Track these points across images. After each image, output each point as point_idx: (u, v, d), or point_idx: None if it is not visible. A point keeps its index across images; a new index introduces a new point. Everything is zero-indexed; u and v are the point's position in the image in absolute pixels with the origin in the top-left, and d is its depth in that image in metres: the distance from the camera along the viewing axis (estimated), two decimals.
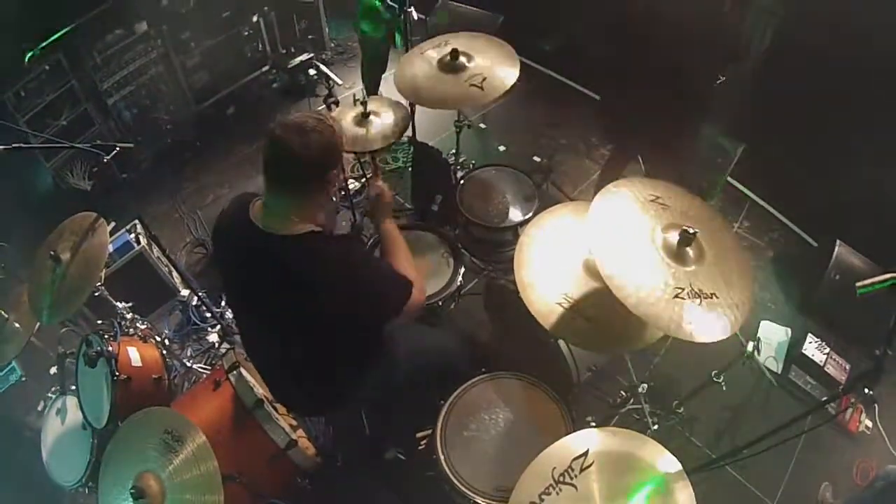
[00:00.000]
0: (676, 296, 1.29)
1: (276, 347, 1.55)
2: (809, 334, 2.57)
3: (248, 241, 1.40)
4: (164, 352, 2.32)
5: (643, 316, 1.26)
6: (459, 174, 2.84)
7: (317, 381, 1.60)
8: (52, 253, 1.90)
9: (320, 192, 1.39)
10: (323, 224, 1.45)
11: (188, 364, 2.52)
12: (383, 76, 3.50)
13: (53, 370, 2.32)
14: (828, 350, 2.52)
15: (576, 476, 1.24)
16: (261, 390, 1.87)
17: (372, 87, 3.52)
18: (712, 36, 2.03)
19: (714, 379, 1.89)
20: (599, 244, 1.36)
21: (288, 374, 1.62)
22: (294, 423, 2.00)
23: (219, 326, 2.68)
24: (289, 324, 1.45)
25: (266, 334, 1.56)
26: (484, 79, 2.09)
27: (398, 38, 3.10)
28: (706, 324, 1.28)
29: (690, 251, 1.36)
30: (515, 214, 2.39)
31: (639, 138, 2.49)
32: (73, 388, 2.14)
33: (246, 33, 3.85)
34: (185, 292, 2.78)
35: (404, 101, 2.40)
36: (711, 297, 1.31)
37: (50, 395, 2.28)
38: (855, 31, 2.41)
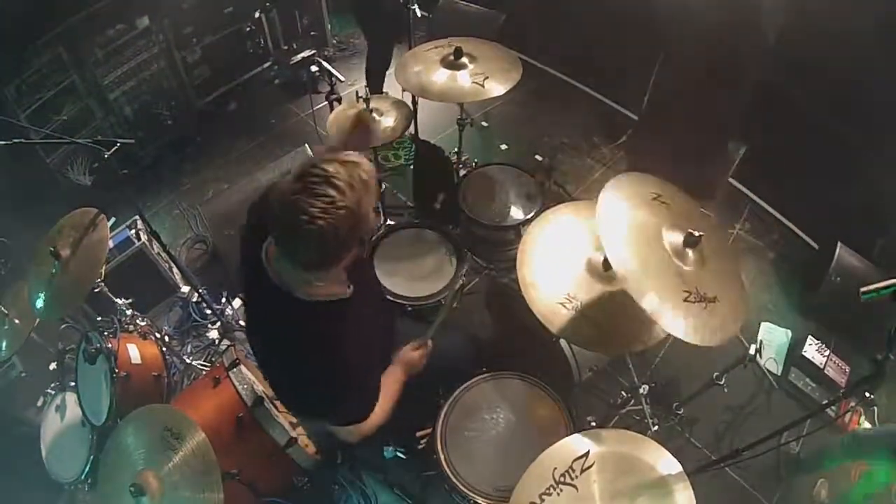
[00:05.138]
0: (685, 299, 1.29)
1: (282, 371, 1.51)
2: (810, 336, 2.57)
3: (259, 283, 1.25)
4: (164, 349, 2.31)
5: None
6: (462, 172, 2.83)
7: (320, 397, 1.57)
8: (51, 249, 1.89)
9: (343, 261, 1.18)
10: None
11: (188, 361, 2.51)
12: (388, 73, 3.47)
13: (53, 366, 2.31)
14: (828, 352, 2.52)
15: (576, 477, 1.25)
16: (260, 387, 1.87)
17: (376, 86, 3.50)
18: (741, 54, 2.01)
19: (715, 381, 1.90)
20: (611, 243, 1.33)
21: (292, 391, 1.59)
22: (294, 420, 2.00)
23: (219, 323, 2.68)
24: (288, 367, 1.38)
25: (272, 359, 1.52)
26: (486, 77, 2.10)
27: None
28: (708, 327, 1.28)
29: (691, 253, 1.36)
30: (517, 213, 2.39)
31: (669, 159, 2.47)
32: (73, 384, 2.14)
33: (248, 29, 3.83)
34: (185, 289, 2.78)
35: (407, 99, 2.39)
36: (714, 301, 1.31)
37: (49, 391, 2.28)
38: (856, 32, 2.40)
